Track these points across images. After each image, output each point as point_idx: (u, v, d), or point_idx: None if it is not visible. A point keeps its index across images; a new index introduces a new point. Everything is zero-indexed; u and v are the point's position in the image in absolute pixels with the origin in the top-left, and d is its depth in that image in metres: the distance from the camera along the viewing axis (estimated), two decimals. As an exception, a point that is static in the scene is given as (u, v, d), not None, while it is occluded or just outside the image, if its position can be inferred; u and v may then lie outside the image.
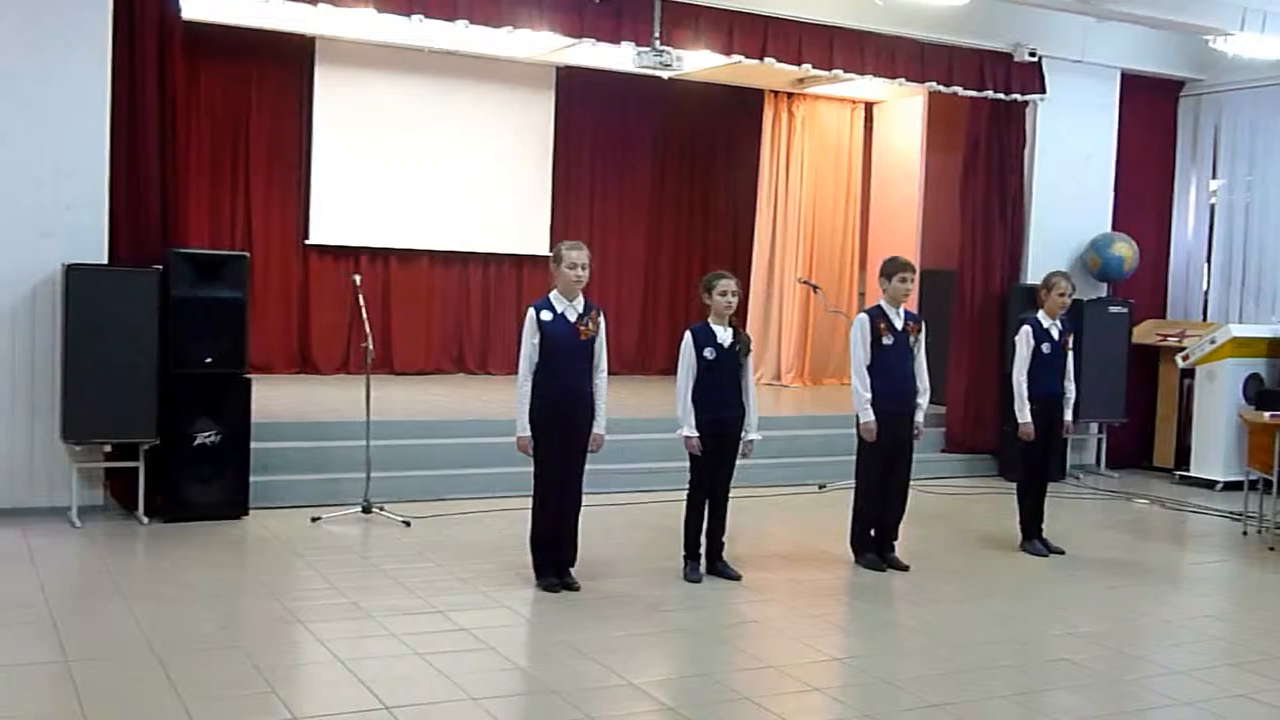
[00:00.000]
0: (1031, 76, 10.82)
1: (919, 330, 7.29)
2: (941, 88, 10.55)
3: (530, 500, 6.50)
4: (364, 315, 8.16)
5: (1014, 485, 8.26)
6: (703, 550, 6.85)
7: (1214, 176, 11.91)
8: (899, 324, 7.19)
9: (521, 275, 12.78)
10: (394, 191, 12.08)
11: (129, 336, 7.45)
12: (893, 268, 7.25)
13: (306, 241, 11.91)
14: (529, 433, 6.35)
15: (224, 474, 7.78)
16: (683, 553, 6.84)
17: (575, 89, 12.71)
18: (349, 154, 11.89)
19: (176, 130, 8.02)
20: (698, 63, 10.33)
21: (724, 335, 6.72)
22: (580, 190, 13.16)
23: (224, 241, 11.35)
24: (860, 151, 13.79)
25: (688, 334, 6.75)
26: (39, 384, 7.63)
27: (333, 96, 11.80)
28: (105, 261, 7.66)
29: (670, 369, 6.90)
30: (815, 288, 11.55)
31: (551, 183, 12.85)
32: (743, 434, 6.80)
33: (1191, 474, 10.83)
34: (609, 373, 6.59)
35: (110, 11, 7.69)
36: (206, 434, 7.74)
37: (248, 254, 8.33)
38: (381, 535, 7.61)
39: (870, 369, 7.14)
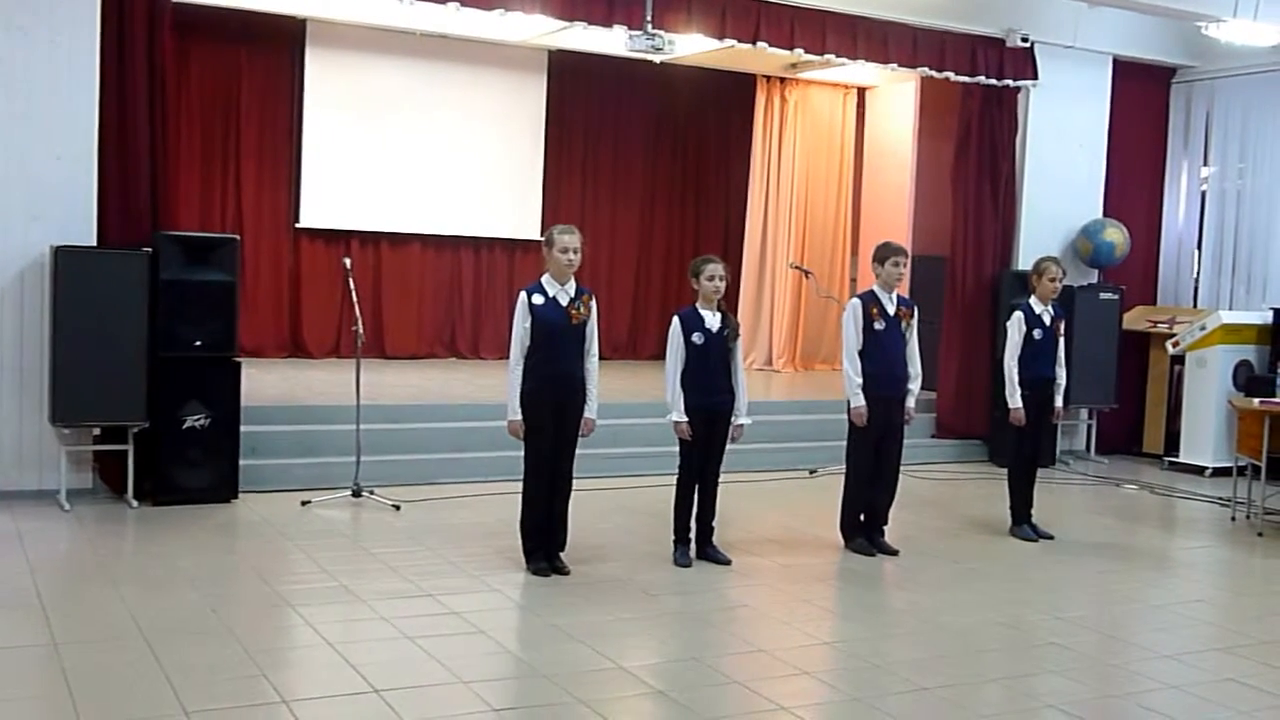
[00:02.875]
0: (1024, 62, 10.81)
1: (911, 316, 7.29)
2: (934, 73, 10.54)
3: (521, 484, 6.50)
4: (355, 299, 8.14)
5: (1004, 470, 8.27)
6: (692, 535, 6.85)
7: (1205, 163, 11.92)
8: (891, 309, 7.20)
9: (513, 259, 12.76)
10: (385, 175, 12.05)
11: (118, 319, 7.42)
12: (885, 252, 7.25)
13: (297, 225, 11.87)
14: (520, 417, 6.33)
15: (213, 457, 7.76)
16: (672, 537, 6.85)
17: (567, 73, 12.67)
18: (340, 137, 11.86)
19: (166, 112, 7.96)
20: (690, 47, 10.31)
21: (712, 320, 6.71)
22: (572, 174, 13.14)
23: (214, 224, 11.32)
24: (852, 137, 13.78)
25: (676, 319, 6.73)
26: (28, 367, 7.60)
27: (324, 79, 11.75)
28: (94, 244, 7.63)
29: (661, 354, 6.88)
30: (807, 273, 11.56)
31: (543, 167, 12.83)
32: (732, 419, 6.79)
33: (1181, 460, 10.85)
34: (600, 357, 6.59)
35: (99, -8, 7.66)
36: (196, 417, 7.72)
37: (238, 237, 8.30)
38: (372, 519, 7.60)
39: (862, 354, 7.15)
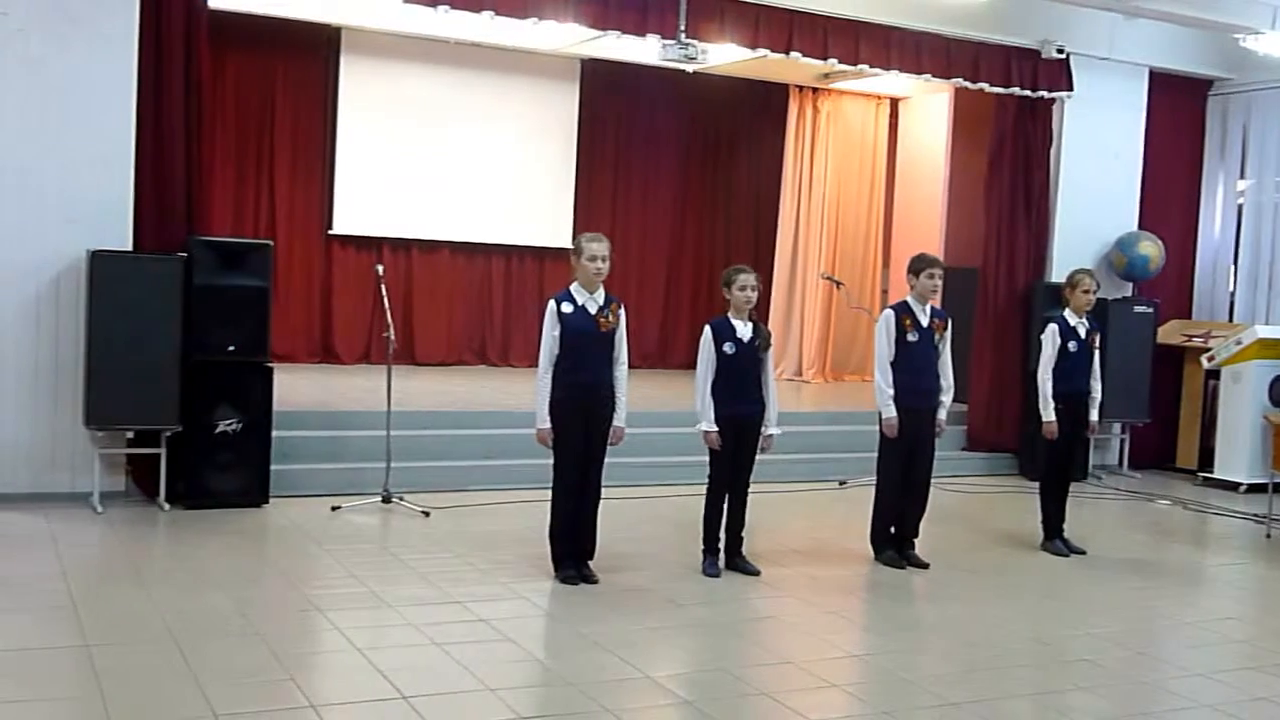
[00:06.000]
0: (1059, 74, 10.75)
1: (945, 328, 7.26)
2: (968, 84, 10.49)
3: (549, 492, 6.51)
4: (386, 305, 8.17)
5: (1035, 484, 8.22)
6: (722, 545, 6.84)
7: (1242, 176, 11.82)
8: (925, 321, 7.17)
9: (544, 268, 12.78)
10: (418, 182, 12.09)
11: (152, 323, 7.48)
12: (921, 264, 7.22)
13: (330, 231, 11.94)
14: (549, 425, 6.34)
15: (245, 462, 7.80)
16: (701, 547, 6.83)
17: (600, 81, 12.70)
18: (373, 144, 11.91)
19: (202, 119, 8.03)
20: (723, 56, 10.30)
21: (744, 330, 6.70)
22: (603, 183, 13.15)
23: (247, 230, 11.40)
24: (885, 147, 13.73)
25: (707, 328, 6.73)
26: (63, 370, 7.66)
27: (358, 87, 11.82)
28: (130, 249, 7.70)
29: (691, 363, 6.88)
30: (838, 283, 11.53)
31: (575, 175, 12.84)
32: (762, 429, 6.78)
33: (1215, 476, 10.75)
34: (630, 366, 6.58)
35: (137, 0, 7.72)
36: (228, 422, 7.76)
37: (271, 243, 8.34)
38: (401, 525, 7.62)
39: (894, 364, 7.12)
